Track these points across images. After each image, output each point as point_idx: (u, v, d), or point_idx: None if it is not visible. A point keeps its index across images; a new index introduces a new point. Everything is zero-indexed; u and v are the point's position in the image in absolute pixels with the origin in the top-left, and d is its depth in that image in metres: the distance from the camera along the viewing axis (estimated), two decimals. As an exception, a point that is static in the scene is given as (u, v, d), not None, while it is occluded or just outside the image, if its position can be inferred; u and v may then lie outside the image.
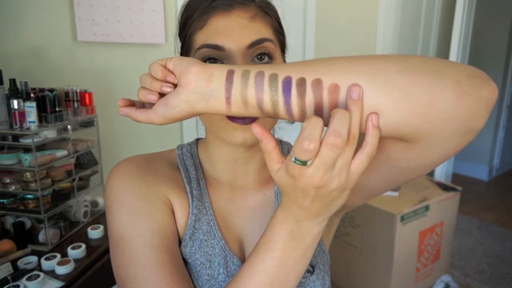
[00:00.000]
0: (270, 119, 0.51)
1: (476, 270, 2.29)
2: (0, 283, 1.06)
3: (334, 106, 0.35)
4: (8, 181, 1.27)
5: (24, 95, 1.27)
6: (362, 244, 1.97)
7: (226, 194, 0.58)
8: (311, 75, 0.36)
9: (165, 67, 0.41)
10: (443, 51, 2.81)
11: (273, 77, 0.36)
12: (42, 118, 1.30)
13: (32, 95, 1.30)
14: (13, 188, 1.27)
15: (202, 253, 0.53)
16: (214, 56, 0.49)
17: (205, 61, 0.49)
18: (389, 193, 1.93)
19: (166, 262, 0.48)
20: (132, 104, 0.44)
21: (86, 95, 1.47)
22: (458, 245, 2.54)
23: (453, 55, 2.25)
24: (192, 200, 0.54)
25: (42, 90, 1.35)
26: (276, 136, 0.67)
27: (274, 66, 0.38)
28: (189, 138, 1.92)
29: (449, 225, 2.06)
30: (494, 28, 3.55)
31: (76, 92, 1.43)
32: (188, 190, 0.55)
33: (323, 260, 0.58)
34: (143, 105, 0.44)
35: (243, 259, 0.56)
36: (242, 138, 0.48)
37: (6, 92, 1.27)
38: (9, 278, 1.08)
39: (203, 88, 0.38)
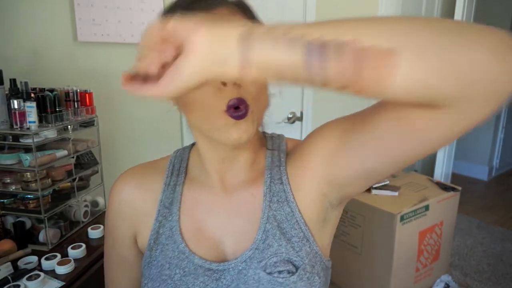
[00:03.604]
0: (259, 114, 0.52)
1: (476, 270, 2.29)
2: (0, 283, 1.06)
3: (364, 83, 0.32)
4: (8, 181, 1.27)
5: (24, 95, 1.27)
6: (361, 244, 1.97)
7: (211, 195, 0.60)
8: (347, 35, 0.32)
9: (161, 32, 0.35)
10: (443, 51, 2.81)
11: (296, 38, 0.32)
12: (42, 118, 1.30)
13: (32, 95, 1.30)
14: (14, 188, 1.27)
15: (163, 256, 0.58)
16: None
17: None
18: (389, 193, 1.93)
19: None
20: (136, 77, 0.37)
21: (86, 95, 1.47)
22: (458, 245, 2.54)
23: (453, 55, 2.26)
24: (159, 209, 0.60)
25: (42, 90, 1.35)
26: (271, 132, 0.66)
27: (296, 25, 0.33)
28: (189, 136, 1.92)
29: (449, 225, 2.06)
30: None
31: (76, 92, 1.43)
32: (160, 198, 0.61)
33: (313, 262, 0.56)
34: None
35: (222, 256, 0.58)
36: (237, 135, 0.49)
37: (7, 92, 1.27)
38: (9, 278, 1.08)
39: (215, 53, 0.33)
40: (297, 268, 0.54)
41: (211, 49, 0.33)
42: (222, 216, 0.59)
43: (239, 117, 0.48)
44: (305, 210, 0.56)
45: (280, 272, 0.53)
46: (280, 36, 0.32)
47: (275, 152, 0.61)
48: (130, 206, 0.63)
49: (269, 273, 0.53)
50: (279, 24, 0.33)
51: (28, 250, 1.23)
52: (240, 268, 0.55)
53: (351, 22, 0.32)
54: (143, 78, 0.37)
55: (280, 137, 0.65)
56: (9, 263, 1.13)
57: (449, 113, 0.36)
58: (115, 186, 0.64)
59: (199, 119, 0.51)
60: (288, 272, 0.53)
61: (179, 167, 0.63)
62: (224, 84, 0.47)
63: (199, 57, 0.33)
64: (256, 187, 0.59)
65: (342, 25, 0.32)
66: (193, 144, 0.64)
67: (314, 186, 0.56)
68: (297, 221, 0.56)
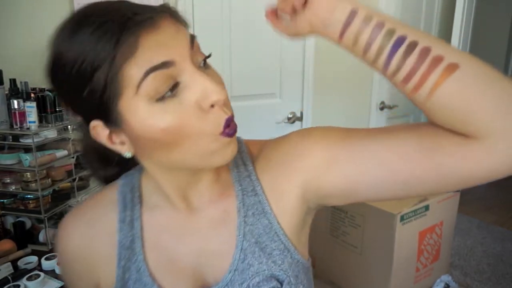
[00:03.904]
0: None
1: (476, 270, 2.29)
2: (1, 283, 1.06)
3: (427, 76, 0.38)
4: (8, 181, 1.27)
5: (24, 95, 1.27)
6: (361, 244, 1.96)
7: (177, 220, 0.54)
8: (425, 42, 0.38)
9: None
10: (443, 51, 2.81)
11: (390, 32, 0.39)
12: (42, 118, 1.30)
13: (32, 95, 1.30)
14: (13, 188, 1.27)
15: None
16: (164, 76, 0.41)
17: (158, 88, 0.41)
18: (389, 193, 1.93)
19: None
20: (275, 12, 0.47)
21: (86, 95, 1.47)
22: (458, 245, 2.54)
23: (453, 55, 2.26)
24: (120, 251, 0.53)
25: (42, 90, 1.35)
26: (266, 135, 0.63)
27: (395, 21, 0.40)
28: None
29: (449, 225, 2.06)
30: (494, 28, 3.55)
31: (76, 92, 1.43)
32: (118, 239, 0.53)
33: (296, 272, 0.53)
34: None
35: (203, 283, 0.53)
36: (231, 153, 0.47)
37: (6, 92, 1.27)
38: (9, 278, 1.08)
39: (325, 16, 0.41)
40: (281, 283, 0.51)
41: (325, 12, 0.41)
42: (194, 240, 0.53)
43: (233, 134, 0.45)
44: (285, 219, 0.53)
45: None
46: (379, 24, 0.39)
47: (238, 161, 0.56)
48: (84, 257, 0.54)
49: None
50: (376, 12, 0.40)
51: (28, 250, 1.23)
52: None
53: (426, 33, 0.40)
54: (278, 15, 0.46)
55: (239, 138, 0.58)
56: (9, 263, 1.13)
57: (479, 145, 0.39)
58: (61, 236, 0.55)
59: (186, 153, 0.44)
60: None
61: (131, 198, 0.55)
62: (212, 106, 0.43)
63: (312, 16, 0.42)
64: (227, 203, 0.54)
65: (422, 33, 0.39)
66: (141, 167, 0.56)
67: (296, 192, 0.52)
68: (276, 232, 0.53)
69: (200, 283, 0.53)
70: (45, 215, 1.26)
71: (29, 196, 1.27)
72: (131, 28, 0.39)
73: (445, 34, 2.77)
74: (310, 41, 2.04)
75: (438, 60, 0.37)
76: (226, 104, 0.45)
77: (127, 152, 0.47)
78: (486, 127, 0.38)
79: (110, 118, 0.43)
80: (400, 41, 0.39)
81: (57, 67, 0.43)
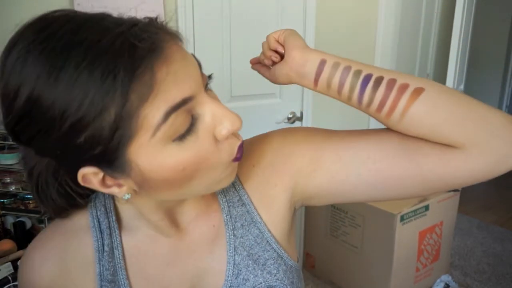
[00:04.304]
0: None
1: (476, 270, 2.29)
2: (1, 283, 1.06)
3: (396, 102, 0.42)
4: (8, 181, 1.27)
5: None
6: (361, 244, 1.97)
7: (163, 242, 0.49)
8: (389, 75, 0.43)
9: (277, 40, 0.50)
10: (443, 52, 2.81)
11: (357, 73, 0.44)
12: (42, 118, 1.30)
13: (32, 95, 1.30)
14: (14, 188, 1.27)
15: None
16: (184, 113, 0.36)
17: (180, 130, 0.37)
18: (389, 193, 1.93)
19: None
20: (259, 61, 0.54)
21: (86, 95, 1.47)
22: (458, 245, 2.54)
23: (453, 55, 2.25)
24: (102, 285, 0.46)
25: (42, 90, 1.35)
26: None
27: (360, 64, 0.44)
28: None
29: (449, 225, 2.06)
30: (494, 29, 3.55)
31: (76, 92, 1.43)
32: (97, 272, 0.46)
33: (291, 278, 0.52)
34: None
35: None
36: (235, 174, 0.46)
37: (7, 92, 1.27)
38: (9, 278, 1.08)
39: (299, 69, 0.46)
40: None
41: (299, 66, 0.46)
42: (184, 261, 0.50)
43: (241, 157, 0.44)
44: (276, 226, 0.52)
45: None
46: (347, 68, 0.44)
47: None
48: None
49: None
50: (343, 58, 0.45)
51: (28, 250, 1.23)
52: None
53: (388, 70, 0.44)
54: (262, 64, 0.53)
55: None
56: (9, 263, 1.13)
57: (457, 153, 0.41)
58: (26, 273, 0.46)
59: (197, 186, 0.42)
60: None
61: (107, 224, 0.48)
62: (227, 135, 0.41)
63: (288, 68, 0.47)
64: (213, 217, 0.51)
65: (384, 69, 0.44)
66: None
67: (284, 197, 0.51)
68: (267, 241, 0.51)
69: None
70: (45, 215, 1.26)
71: (29, 196, 1.27)
72: (144, 60, 0.32)
73: (445, 34, 2.77)
74: (310, 41, 2.04)
75: (404, 87, 0.41)
76: None
77: (126, 194, 0.41)
78: (459, 141, 0.41)
79: (113, 164, 0.37)
80: (367, 78, 0.43)
81: (33, 112, 0.33)
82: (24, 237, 1.27)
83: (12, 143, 1.27)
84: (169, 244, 0.49)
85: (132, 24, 0.35)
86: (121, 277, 0.47)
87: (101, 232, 0.48)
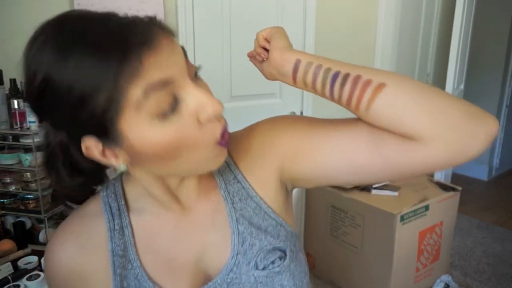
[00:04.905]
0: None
1: (476, 270, 2.29)
2: (1, 283, 1.06)
3: (361, 97, 0.46)
4: (8, 181, 1.27)
5: (24, 95, 1.27)
6: (361, 244, 1.97)
7: (169, 219, 0.55)
8: (356, 72, 0.47)
9: (265, 38, 0.54)
10: (443, 52, 2.81)
11: (327, 70, 0.48)
12: (42, 118, 1.30)
13: (32, 95, 1.30)
14: (14, 188, 1.27)
15: None
16: (165, 93, 0.42)
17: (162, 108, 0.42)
18: (389, 192, 1.94)
19: None
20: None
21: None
22: (458, 245, 2.54)
23: (453, 55, 2.25)
24: (114, 260, 0.52)
25: (42, 90, 1.35)
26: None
27: (332, 62, 0.49)
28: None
29: (449, 225, 2.06)
30: (494, 28, 3.55)
31: (76, 92, 1.43)
32: (110, 249, 0.53)
33: (292, 241, 0.58)
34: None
35: (205, 276, 0.54)
36: (223, 158, 0.50)
37: (7, 92, 1.27)
38: (9, 278, 1.08)
39: (280, 69, 0.52)
40: (284, 252, 0.55)
41: (279, 66, 0.51)
42: (190, 235, 0.55)
43: (226, 145, 0.48)
44: (272, 200, 0.57)
45: (273, 262, 0.54)
46: (318, 66, 0.49)
47: None
48: (77, 272, 0.53)
49: (263, 268, 0.53)
50: (317, 57, 0.50)
51: (28, 250, 1.24)
52: (229, 280, 0.53)
53: (356, 66, 0.48)
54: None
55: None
56: (9, 263, 1.13)
57: (418, 145, 0.45)
58: (51, 259, 0.53)
59: (184, 163, 0.46)
60: (280, 258, 0.55)
61: (117, 206, 0.55)
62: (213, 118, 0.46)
63: (271, 67, 0.53)
64: (213, 194, 0.56)
65: (352, 66, 0.48)
66: (120, 176, 0.58)
67: (275, 176, 0.57)
68: (265, 212, 0.56)
69: (202, 277, 0.54)
70: (45, 215, 1.26)
71: (29, 196, 1.27)
72: (134, 50, 0.39)
73: (445, 34, 2.77)
74: (310, 41, 2.04)
75: (367, 83, 0.46)
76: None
77: (122, 165, 0.46)
78: (417, 134, 0.44)
79: (109, 136, 0.43)
80: (335, 75, 0.48)
81: (47, 90, 0.41)
82: (24, 237, 1.27)
83: (12, 143, 1.28)
84: (174, 221, 0.55)
85: (131, 23, 0.42)
86: (131, 252, 0.53)
87: (112, 214, 0.55)
